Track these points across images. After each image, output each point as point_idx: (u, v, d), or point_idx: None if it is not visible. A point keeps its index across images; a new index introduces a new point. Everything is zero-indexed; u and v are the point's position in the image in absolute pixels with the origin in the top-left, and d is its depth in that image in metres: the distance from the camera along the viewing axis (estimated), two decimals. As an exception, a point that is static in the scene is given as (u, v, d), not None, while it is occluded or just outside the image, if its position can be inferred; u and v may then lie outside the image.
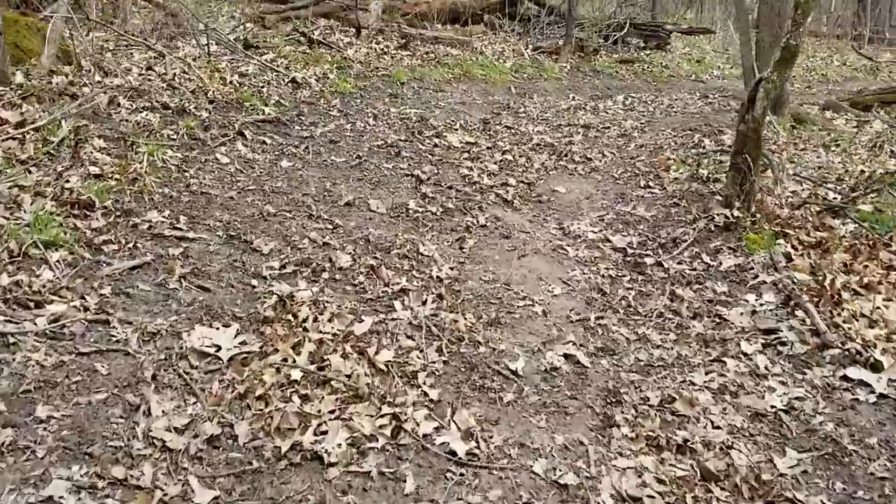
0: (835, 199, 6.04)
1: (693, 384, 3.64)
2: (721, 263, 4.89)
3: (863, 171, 7.19)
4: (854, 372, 3.66)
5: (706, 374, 3.73)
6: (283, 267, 4.44)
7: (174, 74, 7.57)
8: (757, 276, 4.66)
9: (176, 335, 3.55)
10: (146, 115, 6.23)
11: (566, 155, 7.59)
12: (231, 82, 7.91)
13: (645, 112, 10.48)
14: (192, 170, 5.59)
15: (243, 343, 3.55)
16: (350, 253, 4.74)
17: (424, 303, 4.21)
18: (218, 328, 3.65)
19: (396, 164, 6.69)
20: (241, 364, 3.38)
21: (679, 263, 4.98)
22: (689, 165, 6.96)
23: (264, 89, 7.99)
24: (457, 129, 8.30)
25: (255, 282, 4.21)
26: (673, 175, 6.72)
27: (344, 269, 4.53)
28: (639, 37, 14.82)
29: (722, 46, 16.30)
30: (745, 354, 3.89)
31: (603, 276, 4.85)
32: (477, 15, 14.73)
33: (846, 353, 3.83)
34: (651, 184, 6.56)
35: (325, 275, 4.42)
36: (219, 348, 3.49)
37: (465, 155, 7.28)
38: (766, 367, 3.76)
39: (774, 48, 9.13)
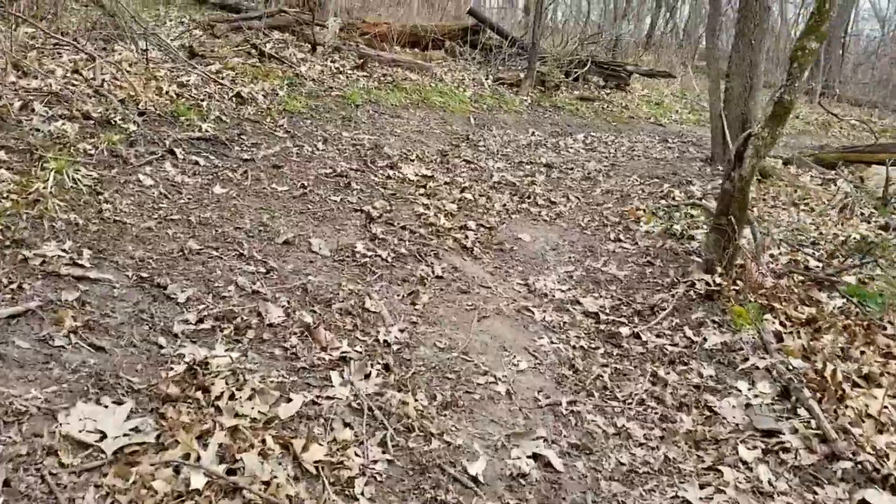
0: (817, 267, 5.50)
1: (687, 502, 2.96)
2: (706, 340, 4.25)
3: (836, 235, 6.71)
4: (874, 496, 3.03)
5: (701, 487, 3.06)
6: (201, 321, 3.65)
7: (103, 80, 6.71)
8: (747, 359, 4.03)
9: (50, 415, 2.74)
10: (62, 124, 5.38)
11: (529, 197, 6.94)
12: (167, 93, 7.08)
13: (607, 153, 9.93)
14: (108, 192, 4.77)
15: (136, 430, 2.75)
16: (283, 306, 3.97)
17: (368, 376, 3.47)
18: (107, 405, 2.85)
19: (345, 197, 5.94)
20: (127, 462, 2.58)
21: (658, 336, 4.33)
22: (660, 218, 6.37)
23: (204, 103, 7.18)
24: (413, 161, 7.60)
25: (163, 340, 3.41)
26: (644, 228, 6.12)
27: (274, 327, 3.76)
28: (600, 75, 14.39)
29: (680, 91, 15.98)
30: (744, 462, 3.24)
31: (574, 346, 4.17)
32: (438, 40, 14.13)
33: (859, 466, 3.21)
34: (622, 237, 5.94)
35: (251, 333, 3.65)
36: (103, 436, 2.69)
37: (421, 190, 6.57)
38: (769, 482, 3.11)
39: (745, 98, 8.70)
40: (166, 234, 4.51)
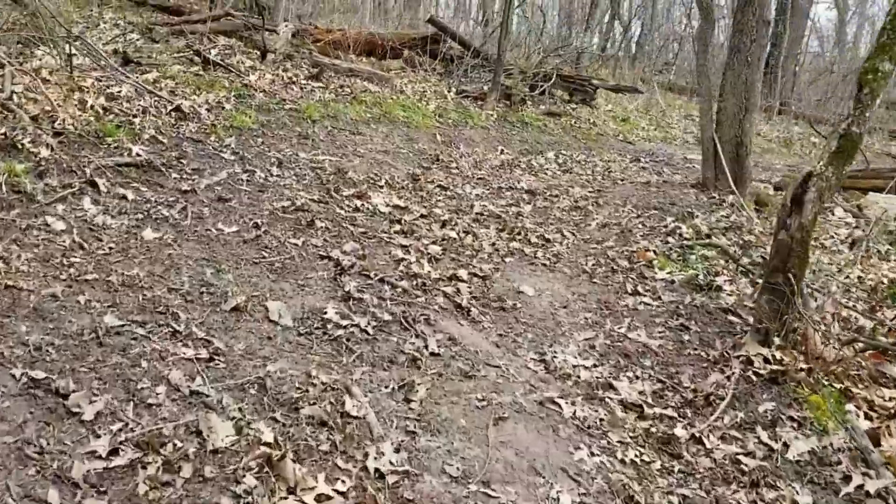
0: (873, 331, 4.54)
1: None
2: (787, 447, 3.22)
3: (861, 279, 5.81)
4: None
5: None
6: (115, 452, 2.46)
7: (13, 92, 5.41)
8: (849, 478, 3.01)
9: None
10: (-54, 150, 4.12)
11: (519, 233, 5.85)
12: (93, 107, 5.80)
13: (586, 176, 8.94)
14: (2, 244, 3.53)
15: None
16: (233, 416, 2.80)
17: (361, 543, 2.33)
18: None
19: (308, 239, 4.77)
20: None
21: (724, 440, 3.28)
22: (674, 262, 5.36)
23: (137, 119, 5.91)
24: (382, 187, 6.47)
25: (54, 496, 2.22)
26: (660, 275, 5.08)
27: (221, 455, 2.58)
28: (565, 89, 13.40)
29: (643, 107, 15.10)
30: None
31: (623, 461, 3.08)
32: (395, 49, 12.97)
33: None
34: (640, 289, 4.88)
35: (187, 469, 2.47)
36: None
37: (397, 227, 5.44)
38: None
39: (740, 119, 7.78)
40: (76, 303, 3.29)
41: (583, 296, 4.74)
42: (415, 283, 4.45)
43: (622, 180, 8.73)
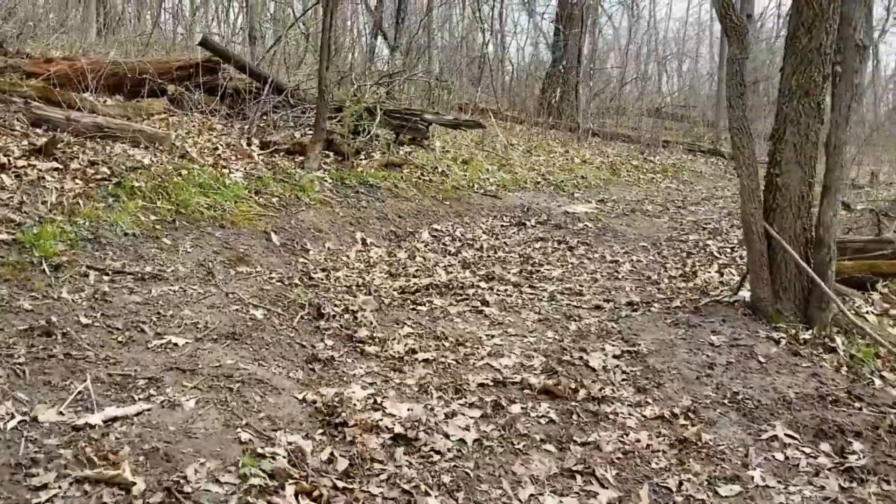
0: None
1: None
2: None
3: None
4: None
5: None
6: None
7: None
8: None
9: None
10: None
11: None
12: None
13: (516, 290, 5.26)
14: None
15: None
16: None
17: None
18: None
19: None
20: None
21: None
22: None
23: None
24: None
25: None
26: None
27: None
28: (390, 127, 9.41)
29: (479, 142, 11.55)
30: None
31: None
32: (156, 85, 8.17)
33: None
34: None
35: None
36: None
37: None
38: None
39: (810, 201, 4.57)
40: None
41: None
42: None
43: (585, 289, 5.12)
